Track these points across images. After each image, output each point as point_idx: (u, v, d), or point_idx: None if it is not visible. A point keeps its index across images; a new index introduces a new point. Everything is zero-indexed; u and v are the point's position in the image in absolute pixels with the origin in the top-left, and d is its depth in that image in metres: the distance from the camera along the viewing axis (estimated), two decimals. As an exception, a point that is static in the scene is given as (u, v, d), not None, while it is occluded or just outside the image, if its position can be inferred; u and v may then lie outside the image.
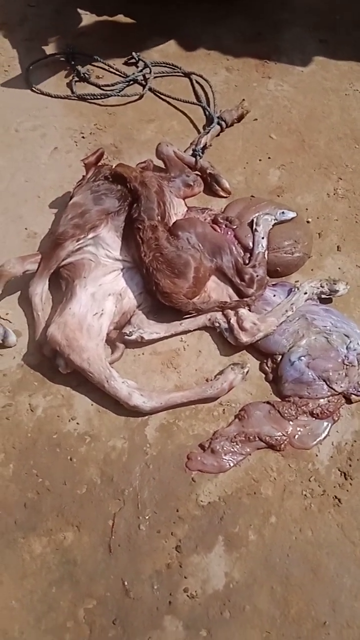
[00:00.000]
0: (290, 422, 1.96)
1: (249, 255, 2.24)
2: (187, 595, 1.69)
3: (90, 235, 2.11)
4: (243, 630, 1.65)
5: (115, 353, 2.08)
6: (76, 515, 1.81)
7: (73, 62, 2.91)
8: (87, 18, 3.19)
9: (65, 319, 1.99)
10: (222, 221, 2.29)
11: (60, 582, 1.71)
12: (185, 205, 2.37)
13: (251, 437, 1.92)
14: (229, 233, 2.28)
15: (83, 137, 2.70)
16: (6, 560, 1.74)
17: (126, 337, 2.08)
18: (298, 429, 1.96)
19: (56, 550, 1.76)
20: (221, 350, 2.14)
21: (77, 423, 1.97)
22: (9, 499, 1.83)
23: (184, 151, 2.55)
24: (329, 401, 1.99)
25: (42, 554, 1.75)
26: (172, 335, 2.14)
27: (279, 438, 1.93)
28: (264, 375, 2.09)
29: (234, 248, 2.20)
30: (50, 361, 2.03)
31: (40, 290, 2.11)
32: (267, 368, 2.09)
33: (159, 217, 2.11)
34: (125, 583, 1.71)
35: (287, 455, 1.93)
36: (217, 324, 2.13)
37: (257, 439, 1.92)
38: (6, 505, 1.82)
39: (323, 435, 1.96)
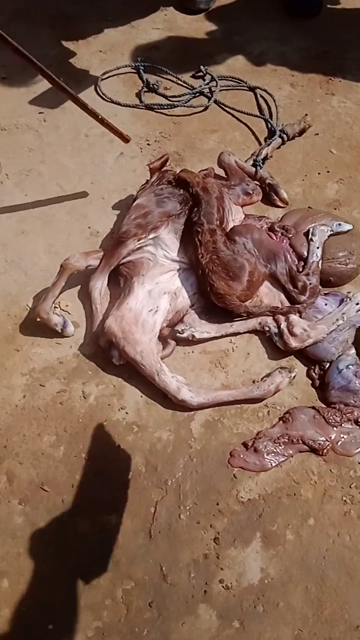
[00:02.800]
0: (335, 429, 1.98)
1: (303, 264, 2.29)
2: (223, 586, 1.73)
3: (151, 236, 2.20)
4: (275, 625, 1.67)
5: (166, 349, 2.15)
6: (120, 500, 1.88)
7: (143, 74, 3.04)
8: (159, 33, 3.33)
9: (123, 312, 2.09)
10: (278, 229, 2.34)
11: (101, 562, 1.78)
12: (243, 212, 2.45)
13: (294, 440, 1.96)
14: (285, 241, 2.33)
15: (148, 144, 2.82)
16: (51, 536, 1.83)
17: (178, 334, 2.16)
18: (342, 435, 1.98)
19: (99, 531, 1.83)
20: (269, 354, 2.18)
21: (126, 413, 2.05)
22: (58, 479, 1.92)
23: (245, 161, 2.62)
24: (374, 411, 2.01)
25: (85, 533, 1.83)
26: (222, 336, 2.20)
27: (322, 443, 1.95)
28: (310, 382, 2.12)
29: (288, 256, 2.25)
30: (105, 352, 2.12)
31: (100, 285, 2.22)
32: (314, 374, 2.12)
33: (218, 222, 2.19)
34: (163, 568, 1.77)
35: (329, 460, 1.95)
36: (267, 328, 2.17)
37: (300, 441, 1.96)
38: (55, 485, 1.91)
39: (367, 444, 1.97)
